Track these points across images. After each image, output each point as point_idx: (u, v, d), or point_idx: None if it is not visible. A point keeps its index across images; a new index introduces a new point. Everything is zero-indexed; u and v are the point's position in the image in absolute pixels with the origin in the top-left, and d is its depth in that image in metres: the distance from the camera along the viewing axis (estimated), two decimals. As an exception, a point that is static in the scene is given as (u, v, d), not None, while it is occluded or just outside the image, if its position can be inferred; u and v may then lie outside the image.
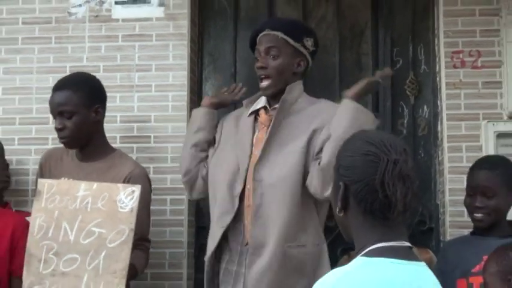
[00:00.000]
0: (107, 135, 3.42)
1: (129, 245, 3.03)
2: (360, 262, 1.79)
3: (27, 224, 3.22)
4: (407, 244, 1.80)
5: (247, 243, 2.99)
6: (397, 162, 1.77)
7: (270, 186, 3.01)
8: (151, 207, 3.39)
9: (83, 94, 3.26)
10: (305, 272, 2.96)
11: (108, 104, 3.46)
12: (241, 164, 3.04)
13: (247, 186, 3.04)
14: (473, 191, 3.17)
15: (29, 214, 3.27)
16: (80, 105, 3.25)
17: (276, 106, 3.10)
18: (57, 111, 3.25)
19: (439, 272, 3.02)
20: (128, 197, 3.08)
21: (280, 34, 3.12)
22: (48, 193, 3.13)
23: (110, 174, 3.28)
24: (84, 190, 3.12)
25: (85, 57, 3.76)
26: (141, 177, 3.28)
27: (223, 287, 3.04)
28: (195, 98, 3.82)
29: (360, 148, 1.83)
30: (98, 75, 3.55)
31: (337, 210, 1.85)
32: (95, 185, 3.13)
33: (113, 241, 3.04)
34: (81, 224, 3.06)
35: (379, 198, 1.79)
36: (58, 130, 3.26)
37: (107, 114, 3.46)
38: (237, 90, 3.40)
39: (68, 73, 3.69)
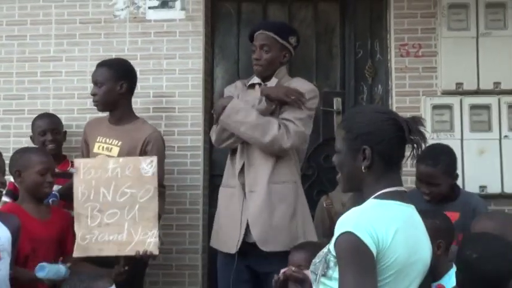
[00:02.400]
0: (143, 107, 3.92)
1: (156, 199, 3.36)
2: (373, 203, 1.95)
3: None
4: (404, 189, 2.01)
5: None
6: (411, 121, 1.97)
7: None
8: (175, 160, 3.91)
9: (112, 71, 3.61)
10: (286, 199, 3.40)
11: (143, 84, 3.95)
12: None
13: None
14: (420, 179, 3.38)
15: None
16: (108, 79, 3.60)
17: (267, 83, 3.49)
18: (93, 81, 3.66)
19: None
20: (148, 165, 3.37)
21: (271, 34, 3.48)
22: (84, 168, 3.40)
23: (134, 135, 3.61)
24: (113, 164, 3.40)
25: (126, 48, 4.19)
26: (157, 139, 3.63)
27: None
28: (209, 79, 4.26)
29: (376, 117, 1.99)
30: (136, 62, 3.96)
31: (363, 168, 1.96)
32: (121, 159, 3.44)
33: (143, 197, 3.34)
34: (116, 188, 3.35)
35: (399, 150, 1.97)
36: (92, 95, 3.66)
37: (143, 91, 3.94)
38: None
39: (113, 60, 4.06)
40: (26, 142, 3.98)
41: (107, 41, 4.24)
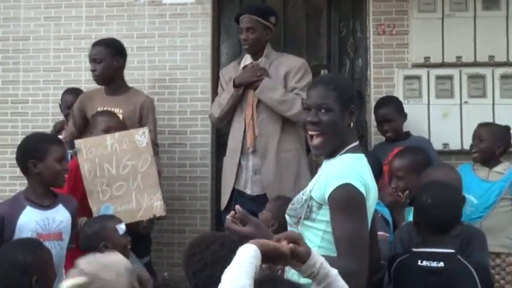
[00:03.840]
0: (161, 78, 4.21)
1: (154, 166, 3.46)
2: (351, 157, 2.10)
3: None
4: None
5: (249, 148, 3.70)
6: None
7: (267, 116, 3.73)
8: (188, 122, 4.28)
9: (109, 49, 3.79)
10: (291, 164, 3.73)
11: (160, 58, 4.32)
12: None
13: (247, 113, 3.73)
14: (380, 121, 3.94)
15: None
16: (107, 56, 3.78)
17: (258, 61, 3.74)
18: (92, 59, 3.83)
19: None
20: (141, 136, 3.43)
21: (254, 17, 3.70)
22: (85, 148, 3.42)
23: (129, 102, 3.79)
24: (110, 139, 3.43)
25: (145, 28, 4.50)
26: (150, 104, 3.86)
27: (244, 174, 3.75)
28: (215, 54, 4.56)
29: (351, 84, 2.36)
30: (154, 40, 4.35)
31: (351, 124, 2.12)
32: (117, 134, 3.45)
33: (143, 167, 3.43)
34: (117, 162, 3.40)
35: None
36: (92, 71, 3.81)
37: (160, 64, 4.29)
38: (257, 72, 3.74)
39: (134, 38, 4.45)
40: (64, 108, 4.34)
41: (129, 21, 4.56)
